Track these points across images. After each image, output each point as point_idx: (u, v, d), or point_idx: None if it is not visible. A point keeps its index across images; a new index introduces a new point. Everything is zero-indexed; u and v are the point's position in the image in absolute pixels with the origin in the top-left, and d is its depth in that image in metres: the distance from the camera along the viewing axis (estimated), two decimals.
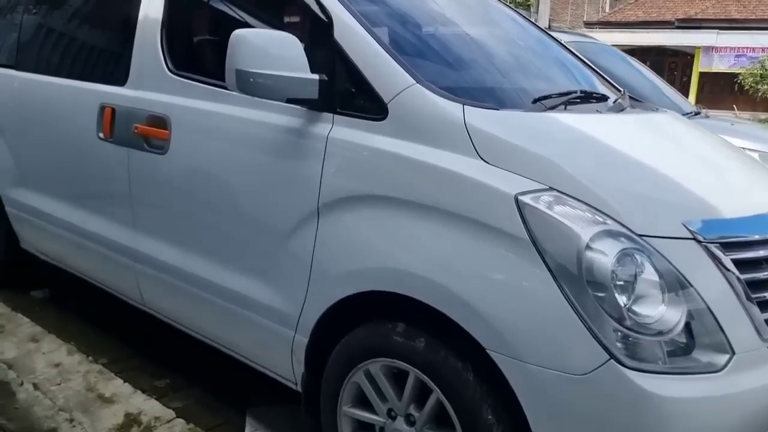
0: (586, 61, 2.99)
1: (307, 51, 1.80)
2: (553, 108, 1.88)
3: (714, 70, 25.82)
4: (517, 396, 1.49)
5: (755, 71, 22.10)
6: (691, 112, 4.11)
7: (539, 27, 2.89)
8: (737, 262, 1.53)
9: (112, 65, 2.60)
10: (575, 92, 2.07)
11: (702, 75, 26.25)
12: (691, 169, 1.82)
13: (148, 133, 2.32)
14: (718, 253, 1.50)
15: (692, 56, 26.35)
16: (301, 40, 1.82)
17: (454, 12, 2.44)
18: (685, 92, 26.73)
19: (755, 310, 1.52)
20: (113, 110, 2.48)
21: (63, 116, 2.81)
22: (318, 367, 1.92)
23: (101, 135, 2.53)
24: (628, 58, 4.99)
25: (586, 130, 1.77)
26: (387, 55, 1.78)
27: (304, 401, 2.01)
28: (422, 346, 1.63)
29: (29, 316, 3.17)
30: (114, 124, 2.47)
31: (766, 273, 1.57)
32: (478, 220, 1.54)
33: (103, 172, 2.59)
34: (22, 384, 2.56)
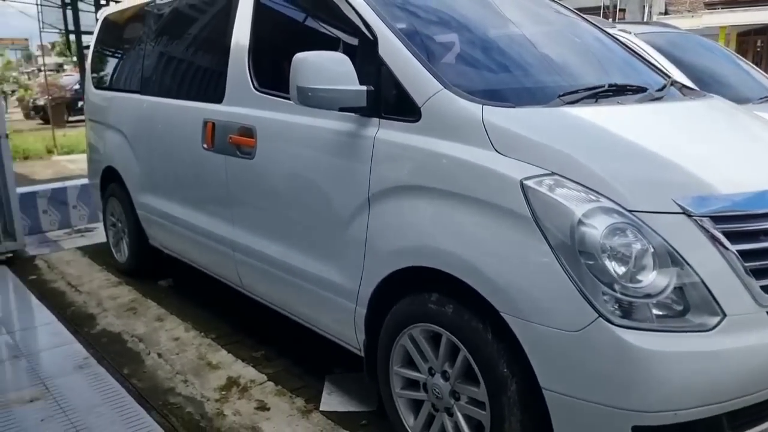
0: (638, 52, 3.10)
1: (356, 65, 2.14)
2: (574, 103, 2.07)
3: None
4: (526, 351, 1.74)
5: None
6: None
7: (587, 20, 3.01)
8: (731, 234, 1.68)
9: (213, 86, 3.08)
10: (602, 87, 2.22)
11: None
12: (699, 151, 1.93)
13: (240, 142, 2.78)
14: (709, 226, 1.66)
15: None
16: (350, 57, 2.15)
17: (490, 16, 2.65)
18: None
19: (749, 278, 1.66)
20: (213, 124, 2.96)
21: (176, 131, 3.35)
22: (375, 334, 2.26)
23: (205, 146, 3.03)
24: (712, 43, 4.89)
25: (594, 120, 1.96)
26: (420, 65, 2.07)
27: (366, 365, 2.35)
28: (450, 312, 1.92)
29: (156, 301, 3.79)
30: (214, 136, 2.96)
31: (762, 244, 1.71)
32: (493, 202, 1.81)
33: (207, 177, 3.08)
34: (149, 353, 3.12)
